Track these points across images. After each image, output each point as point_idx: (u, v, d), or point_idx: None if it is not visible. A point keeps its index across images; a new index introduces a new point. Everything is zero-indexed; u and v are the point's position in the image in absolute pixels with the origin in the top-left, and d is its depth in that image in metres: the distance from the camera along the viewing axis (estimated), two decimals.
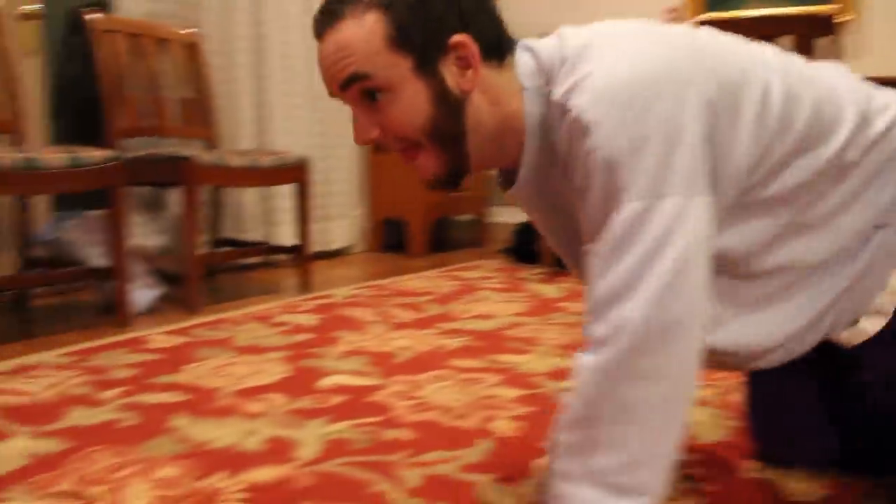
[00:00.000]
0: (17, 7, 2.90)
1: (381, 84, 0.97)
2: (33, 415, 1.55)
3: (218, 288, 3.14)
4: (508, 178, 1.09)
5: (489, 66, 0.99)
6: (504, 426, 1.47)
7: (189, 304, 2.62)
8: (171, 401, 1.64)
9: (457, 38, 0.97)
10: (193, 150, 2.74)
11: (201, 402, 1.62)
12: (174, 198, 3.25)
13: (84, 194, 2.38)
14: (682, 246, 0.87)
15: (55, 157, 2.19)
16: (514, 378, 1.77)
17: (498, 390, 1.69)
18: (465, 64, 0.98)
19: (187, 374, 1.84)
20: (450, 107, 0.98)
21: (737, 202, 0.96)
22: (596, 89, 0.89)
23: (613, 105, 0.87)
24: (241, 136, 3.51)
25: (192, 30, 3.26)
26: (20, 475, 1.26)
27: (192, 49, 3.21)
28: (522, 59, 1.01)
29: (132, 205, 2.83)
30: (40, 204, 2.95)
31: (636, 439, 0.89)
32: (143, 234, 3.02)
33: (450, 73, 0.98)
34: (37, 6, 2.99)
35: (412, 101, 0.97)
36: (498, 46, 1.00)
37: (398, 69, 0.96)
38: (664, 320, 0.87)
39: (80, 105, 3.17)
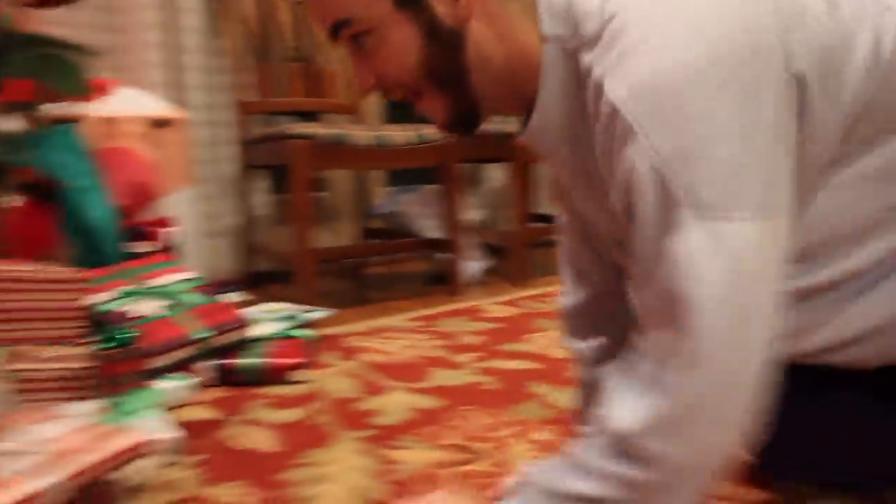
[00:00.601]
0: None
1: (364, 27, 0.84)
2: (402, 372, 1.68)
3: (535, 262, 3.22)
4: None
5: None
6: None
7: (515, 276, 2.71)
8: (524, 367, 1.70)
9: None
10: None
11: (554, 371, 1.66)
12: (492, 173, 3.37)
13: (417, 170, 2.53)
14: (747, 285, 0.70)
15: (403, 134, 2.35)
16: None
17: None
18: None
19: (532, 344, 1.89)
20: (443, 42, 0.83)
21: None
22: (639, 80, 0.71)
23: (660, 105, 0.70)
24: None
25: None
26: (408, 426, 1.37)
27: None
28: None
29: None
30: (378, 179, 3.19)
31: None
32: (466, 208, 3.16)
33: (440, 2, 0.83)
34: None
35: (399, 41, 0.84)
36: None
37: (378, 6, 0.82)
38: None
39: None
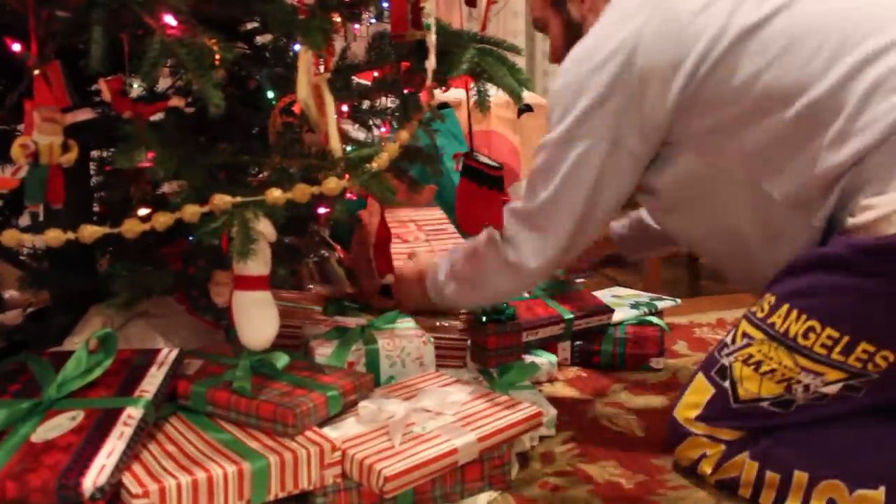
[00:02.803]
0: None
1: (541, 22, 1.44)
2: None
3: None
4: None
5: None
6: None
7: None
8: None
9: None
10: None
11: None
12: None
13: None
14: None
15: None
16: None
17: None
18: None
19: None
20: (574, 31, 1.35)
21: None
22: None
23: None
24: None
25: None
26: None
27: None
28: None
29: None
30: None
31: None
32: None
33: (572, 5, 1.36)
34: None
35: (554, 29, 1.41)
36: None
37: (545, 8, 1.41)
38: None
39: None
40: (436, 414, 1.11)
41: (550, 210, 1.25)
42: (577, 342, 1.63)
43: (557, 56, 1.41)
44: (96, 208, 1.35)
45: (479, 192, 1.27)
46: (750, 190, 1.14)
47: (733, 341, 1.14)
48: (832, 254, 1.05)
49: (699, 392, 1.15)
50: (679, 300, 1.88)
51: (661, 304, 1.81)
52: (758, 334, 1.10)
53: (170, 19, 0.84)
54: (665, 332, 1.69)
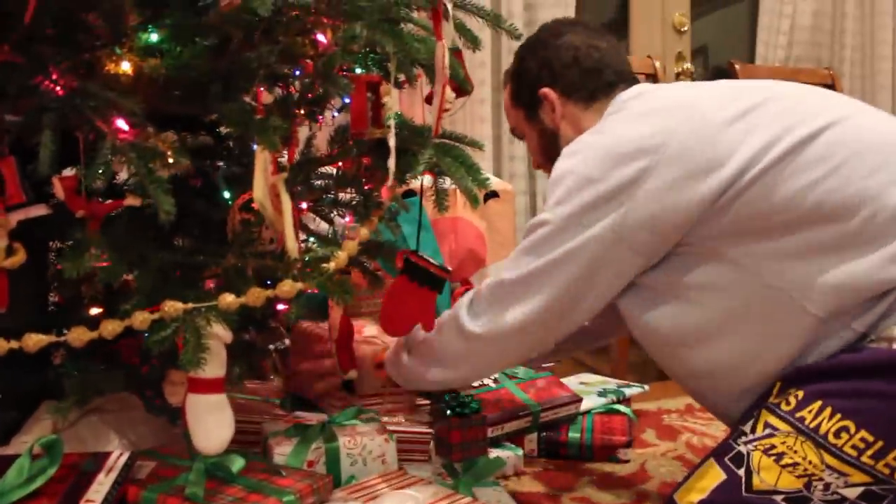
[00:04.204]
0: (673, 67, 3.18)
1: (518, 132, 1.49)
2: None
3: None
4: None
5: (577, 107, 1.37)
6: None
7: None
8: None
9: (543, 90, 1.38)
10: None
11: None
12: None
13: None
14: None
15: None
16: None
17: None
18: (552, 106, 1.38)
19: None
20: (549, 139, 1.41)
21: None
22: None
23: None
24: None
25: (829, 71, 3.17)
26: None
27: (830, 90, 3.13)
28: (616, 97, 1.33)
29: None
30: None
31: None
32: None
33: (545, 114, 1.40)
34: (688, 65, 3.22)
35: (531, 138, 1.46)
36: (581, 89, 1.36)
37: (520, 119, 1.46)
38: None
39: None
40: None
41: (532, 283, 1.20)
42: (544, 432, 1.61)
43: (538, 163, 1.48)
44: (56, 298, 1.33)
45: (417, 291, 1.25)
46: (772, 295, 1.10)
47: (753, 430, 1.10)
48: (879, 360, 1.04)
49: (707, 478, 1.10)
50: (647, 386, 1.87)
51: (628, 392, 1.79)
52: (783, 426, 1.07)
53: (121, 123, 0.83)
54: (633, 421, 1.67)
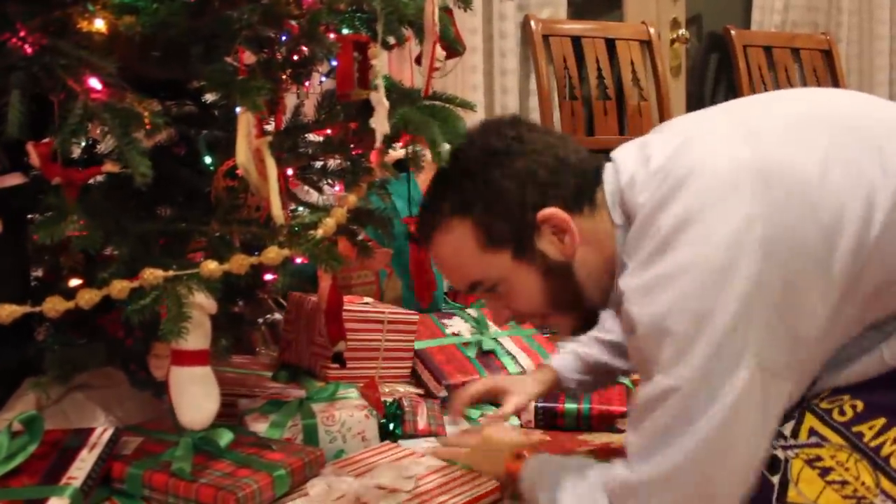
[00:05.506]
0: (668, 34, 3.13)
1: (493, 282, 1.04)
2: None
3: None
4: None
5: (582, 217, 1.02)
6: None
7: None
8: None
9: (543, 213, 1.00)
10: None
11: None
12: None
13: None
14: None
15: None
16: None
17: None
18: (560, 230, 1.01)
19: None
20: (559, 276, 1.02)
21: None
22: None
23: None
24: None
25: (825, 36, 3.13)
26: None
27: (827, 56, 3.08)
28: (607, 178, 1.02)
29: None
30: None
31: None
32: None
33: (549, 245, 1.02)
34: (682, 31, 3.17)
35: (525, 286, 1.04)
36: (583, 193, 1.02)
37: (501, 265, 1.03)
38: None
39: None
40: (390, 492, 1.05)
41: (667, 486, 0.91)
42: (541, 403, 1.58)
43: (527, 317, 1.11)
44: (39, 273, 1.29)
45: (427, 257, 1.19)
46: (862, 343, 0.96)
47: (794, 435, 0.96)
48: None
49: None
50: None
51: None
52: (835, 438, 0.94)
53: (95, 82, 0.79)
54: (631, 391, 1.64)
